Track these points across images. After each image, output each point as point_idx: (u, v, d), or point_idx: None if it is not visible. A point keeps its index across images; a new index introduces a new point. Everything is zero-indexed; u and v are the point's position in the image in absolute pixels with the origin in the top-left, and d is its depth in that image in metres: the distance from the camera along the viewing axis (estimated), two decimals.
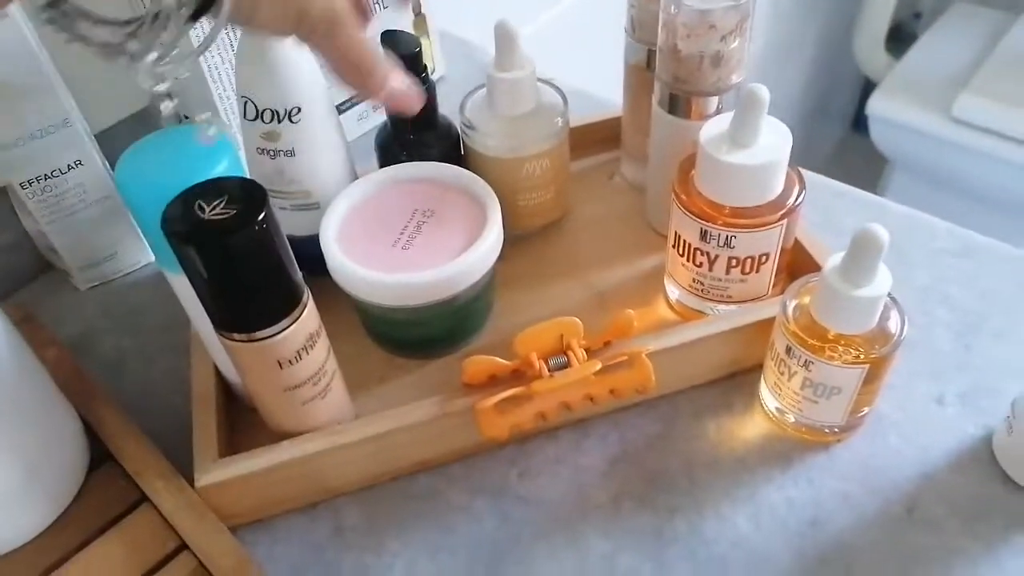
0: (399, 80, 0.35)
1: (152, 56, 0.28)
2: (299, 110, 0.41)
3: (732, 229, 0.40)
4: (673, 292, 0.46)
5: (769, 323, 0.40)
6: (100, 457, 0.40)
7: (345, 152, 0.45)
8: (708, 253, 0.41)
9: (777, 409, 0.41)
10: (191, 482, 0.37)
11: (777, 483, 0.39)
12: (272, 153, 0.42)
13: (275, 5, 0.29)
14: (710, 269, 0.42)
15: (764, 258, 0.41)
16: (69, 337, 0.50)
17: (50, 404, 0.38)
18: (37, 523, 0.37)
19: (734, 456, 0.41)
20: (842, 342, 0.37)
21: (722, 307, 0.43)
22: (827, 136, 1.58)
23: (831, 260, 0.36)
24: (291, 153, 0.42)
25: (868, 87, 1.29)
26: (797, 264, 0.44)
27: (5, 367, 0.35)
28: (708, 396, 0.43)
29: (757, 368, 0.43)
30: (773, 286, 0.43)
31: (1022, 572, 0.36)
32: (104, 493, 0.39)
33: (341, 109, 0.60)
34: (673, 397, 0.43)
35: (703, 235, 0.41)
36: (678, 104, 0.44)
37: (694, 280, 0.43)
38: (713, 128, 0.40)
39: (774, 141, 0.39)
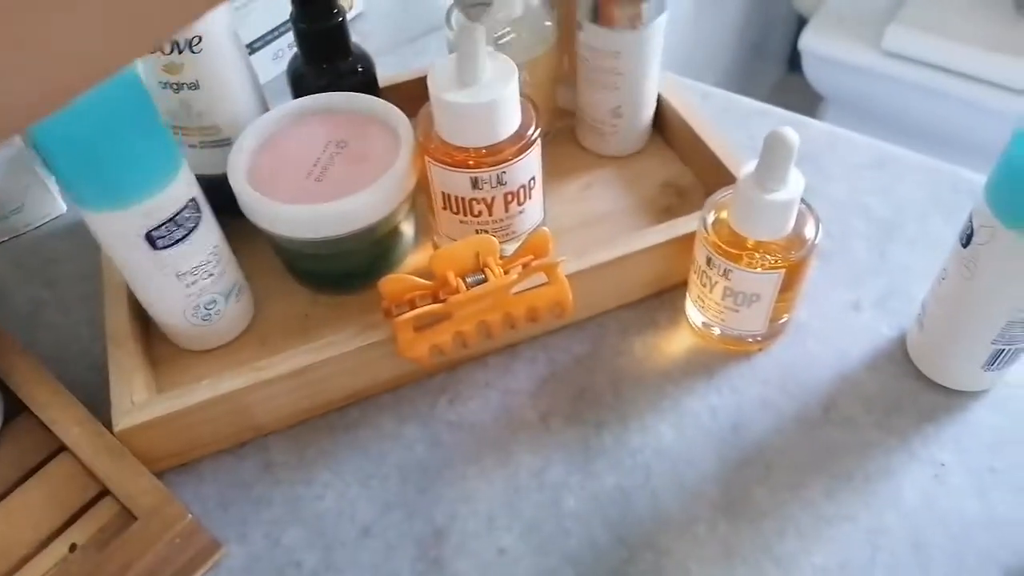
0: None
1: None
2: (200, 39, 0.39)
3: (501, 165, 0.39)
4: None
5: (690, 238, 0.41)
6: (15, 409, 0.39)
7: (254, 84, 0.43)
8: (484, 199, 0.40)
9: (703, 323, 0.42)
10: (111, 428, 0.36)
11: (700, 393, 0.40)
12: (175, 87, 0.40)
13: None
14: (490, 214, 0.41)
15: (532, 182, 0.40)
16: None
17: None
18: None
19: (659, 370, 0.41)
20: (760, 250, 0.37)
21: (511, 245, 0.42)
22: (764, 76, 1.59)
23: (745, 168, 0.37)
24: (195, 86, 0.40)
25: (802, 24, 1.29)
26: (716, 179, 0.45)
27: None
28: (634, 314, 0.44)
29: (682, 285, 0.43)
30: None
31: (933, 461, 0.37)
32: (20, 444, 0.38)
33: (255, 47, 0.58)
34: (600, 317, 0.44)
35: (475, 183, 0.39)
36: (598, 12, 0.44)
37: (477, 231, 0.41)
38: (441, 72, 0.38)
39: (499, 77, 0.38)
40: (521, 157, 0.39)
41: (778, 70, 1.59)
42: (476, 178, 0.39)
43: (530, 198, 0.41)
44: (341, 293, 0.44)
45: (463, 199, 0.40)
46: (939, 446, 0.38)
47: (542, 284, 0.39)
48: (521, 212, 0.41)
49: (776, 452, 0.38)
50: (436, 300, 0.38)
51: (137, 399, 0.37)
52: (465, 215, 0.41)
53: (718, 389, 0.40)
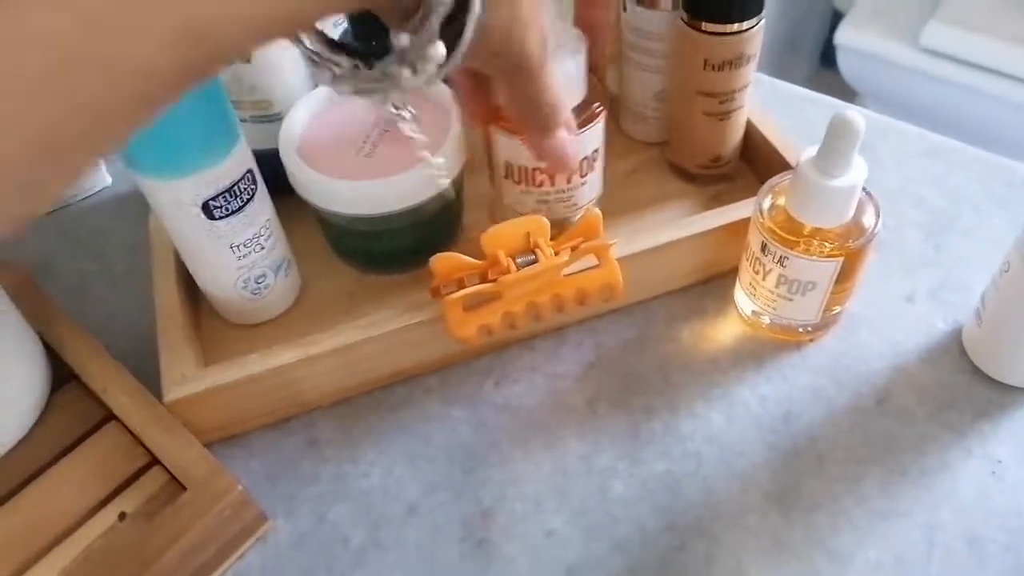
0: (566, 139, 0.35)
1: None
2: None
3: None
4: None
5: (743, 224, 0.40)
6: (64, 378, 0.39)
7: None
8: None
9: (753, 312, 0.41)
10: (160, 399, 0.36)
11: (750, 382, 0.40)
12: None
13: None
14: (552, 184, 0.41)
15: (595, 154, 0.41)
16: (28, 264, 0.48)
17: (7, 324, 0.37)
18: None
19: (707, 357, 0.41)
20: (817, 237, 0.37)
21: (573, 215, 0.42)
22: (797, 70, 1.57)
23: (806, 152, 0.36)
24: (247, 59, 0.40)
25: (837, 19, 1.27)
26: (769, 166, 0.44)
27: None
28: (682, 301, 0.43)
29: (731, 273, 0.42)
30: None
31: (989, 458, 0.37)
32: (69, 412, 0.38)
33: None
34: (647, 303, 0.43)
35: None
36: None
37: (539, 201, 0.42)
38: None
39: (565, 46, 0.37)
40: (586, 128, 0.39)
41: (810, 65, 1.57)
42: None
43: (592, 170, 0.41)
44: (386, 273, 0.44)
45: (526, 169, 0.40)
46: (996, 442, 0.37)
47: (592, 267, 0.38)
48: (583, 183, 0.41)
49: (828, 443, 0.37)
50: (484, 280, 0.37)
51: (187, 371, 0.37)
52: (528, 185, 0.41)
53: (768, 378, 0.40)
